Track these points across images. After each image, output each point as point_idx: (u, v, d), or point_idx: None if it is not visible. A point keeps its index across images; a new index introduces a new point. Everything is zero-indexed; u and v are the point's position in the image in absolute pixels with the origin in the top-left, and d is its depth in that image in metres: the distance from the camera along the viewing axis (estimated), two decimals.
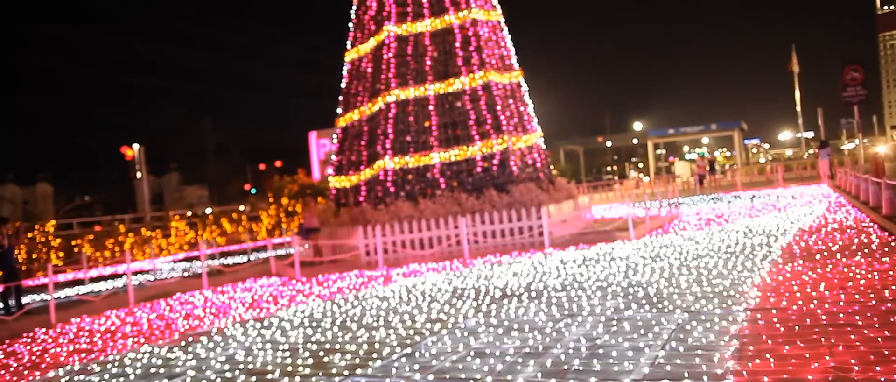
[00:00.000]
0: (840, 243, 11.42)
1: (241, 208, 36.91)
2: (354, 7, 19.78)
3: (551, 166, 20.67)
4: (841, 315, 6.39)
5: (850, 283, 7.90)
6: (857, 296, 7.16)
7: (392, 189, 17.58)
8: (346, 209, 18.37)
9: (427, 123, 17.70)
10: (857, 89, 33.13)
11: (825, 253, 10.43)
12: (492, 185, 17.28)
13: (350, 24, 19.83)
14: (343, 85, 19.65)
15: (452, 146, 17.54)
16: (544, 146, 20.07)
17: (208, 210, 36.28)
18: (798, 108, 52.03)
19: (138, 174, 48.36)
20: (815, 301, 7.10)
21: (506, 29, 19.73)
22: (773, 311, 6.84)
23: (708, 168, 36.79)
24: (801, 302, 7.12)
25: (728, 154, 65.63)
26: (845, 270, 8.81)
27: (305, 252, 17.96)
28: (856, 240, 11.53)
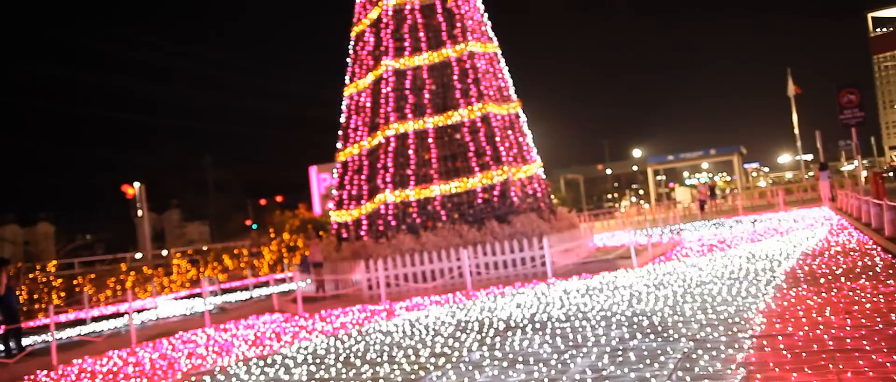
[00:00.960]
0: (844, 266, 11.38)
1: (243, 243, 36.86)
2: (352, 43, 19.98)
3: (552, 196, 20.68)
4: (848, 341, 6.34)
5: (856, 307, 7.86)
6: (863, 320, 7.12)
7: (393, 222, 17.58)
8: (348, 244, 18.35)
9: (427, 156, 17.76)
10: (854, 112, 33.22)
11: (829, 277, 10.39)
12: (493, 216, 17.28)
13: (348, 60, 20.01)
14: (342, 120, 19.76)
15: (453, 178, 17.58)
16: (544, 176, 20.11)
17: (205, 248, 36.23)
18: (796, 131, 52.23)
19: (140, 212, 48.38)
20: (821, 327, 7.06)
21: (503, 60, 19.90)
22: (780, 338, 6.80)
23: (708, 193, 36.80)
24: (807, 328, 7.07)
25: (728, 179, 65.67)
26: (850, 294, 8.76)
27: (308, 287, 17.89)
28: (859, 263, 11.49)
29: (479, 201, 17.43)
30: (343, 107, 19.87)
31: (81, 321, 19.18)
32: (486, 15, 19.92)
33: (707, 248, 17.82)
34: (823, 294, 8.95)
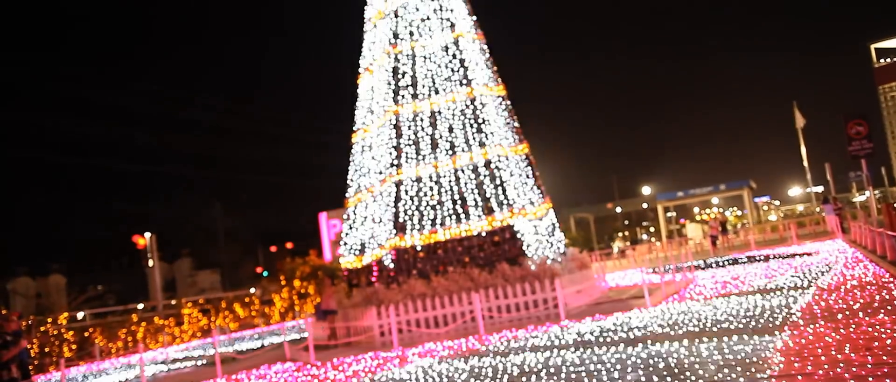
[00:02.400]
0: (861, 301, 11.22)
1: (254, 291, 36.79)
2: (360, 89, 20.21)
3: (562, 236, 20.61)
4: (870, 379, 6.23)
5: (877, 343, 7.73)
6: (885, 357, 7.00)
7: (404, 268, 17.53)
8: (359, 290, 18.28)
9: (436, 200, 17.80)
10: (862, 143, 33.16)
11: (847, 312, 10.24)
12: (504, 259, 17.21)
13: (356, 105, 20.21)
14: (351, 166, 19.87)
15: (462, 222, 17.58)
16: (554, 216, 20.08)
17: (213, 295, 36.15)
18: (805, 163, 52.11)
19: (150, 263, 48.45)
20: (841, 365, 6.94)
21: (510, 103, 20.05)
22: (799, 377, 6.68)
23: (720, 229, 36.58)
24: (827, 367, 6.95)
25: (739, 213, 65.37)
26: (869, 329, 8.63)
27: (320, 334, 17.79)
28: (877, 297, 11.33)
29: (489, 244, 17.39)
30: (351, 153, 20.01)
31: (93, 374, 19.08)
32: (491, 59, 20.16)
33: (721, 285, 17.64)
34: (842, 331, 8.81)
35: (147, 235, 46.92)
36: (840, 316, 10.00)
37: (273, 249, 68.74)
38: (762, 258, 25.28)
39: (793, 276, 17.11)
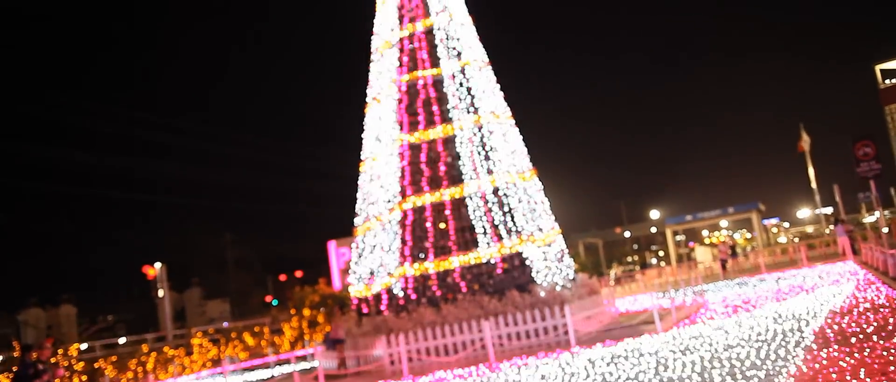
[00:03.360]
0: (874, 324, 11.16)
1: (263, 320, 36.74)
2: (367, 118, 20.36)
3: (571, 262, 20.58)
4: None
5: (893, 367, 7.68)
6: None
7: (413, 296, 17.54)
8: (369, 319, 18.27)
9: (445, 228, 17.84)
10: (871, 164, 33.12)
11: (860, 336, 10.19)
12: (513, 286, 17.20)
13: (363, 135, 20.35)
14: (359, 195, 19.97)
15: (471, 249, 17.60)
16: (563, 242, 20.07)
17: (225, 324, 36.11)
18: (813, 185, 51.90)
19: (160, 293, 48.48)
20: None
21: (516, 129, 20.16)
22: None
23: (730, 252, 36.40)
24: None
25: (748, 236, 65.04)
26: (884, 353, 8.58)
27: (330, 364, 17.75)
28: (891, 320, 11.27)
29: (499, 271, 17.39)
30: (359, 182, 20.11)
31: None
32: (498, 86, 20.31)
33: (732, 309, 17.55)
34: (856, 355, 8.77)
35: (157, 265, 47.04)
36: (853, 340, 9.94)
37: (282, 278, 68.70)
38: (773, 280, 25.15)
39: (804, 299, 17.02)
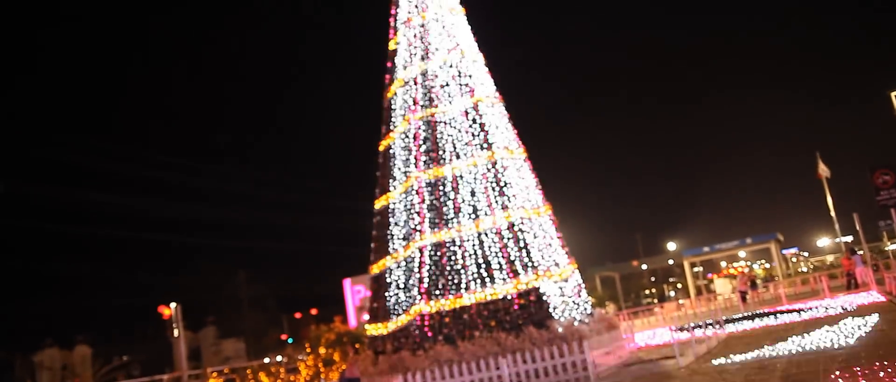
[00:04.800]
0: None
1: (279, 359, 36.56)
2: (381, 155, 20.44)
3: (588, 296, 20.37)
4: None
5: None
6: None
7: (430, 334, 17.38)
8: (385, 357, 18.10)
9: (460, 265, 17.74)
10: (891, 192, 32.80)
11: (889, 370, 9.94)
12: (530, 322, 17.01)
13: (378, 173, 20.41)
14: (374, 232, 19.95)
15: (487, 286, 17.46)
16: (579, 276, 19.88)
17: (238, 364, 35.93)
18: (832, 213, 51.26)
19: (176, 332, 48.47)
20: None
21: (529, 164, 20.13)
22: None
23: (750, 284, 35.94)
24: None
25: (767, 266, 64.23)
26: None
27: None
28: None
29: (516, 307, 17.23)
30: (374, 219, 20.11)
31: None
32: (511, 121, 20.35)
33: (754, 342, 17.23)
34: None
35: (172, 305, 47.10)
36: (882, 374, 9.71)
37: (298, 315, 68.52)
38: (795, 312, 24.73)
39: (827, 331, 16.69)
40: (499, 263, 17.60)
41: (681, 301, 43.21)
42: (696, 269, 55.87)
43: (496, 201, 18.12)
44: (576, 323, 17.25)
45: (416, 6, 20.57)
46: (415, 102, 19.63)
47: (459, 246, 17.91)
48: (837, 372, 10.54)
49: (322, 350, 30.85)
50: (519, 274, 17.38)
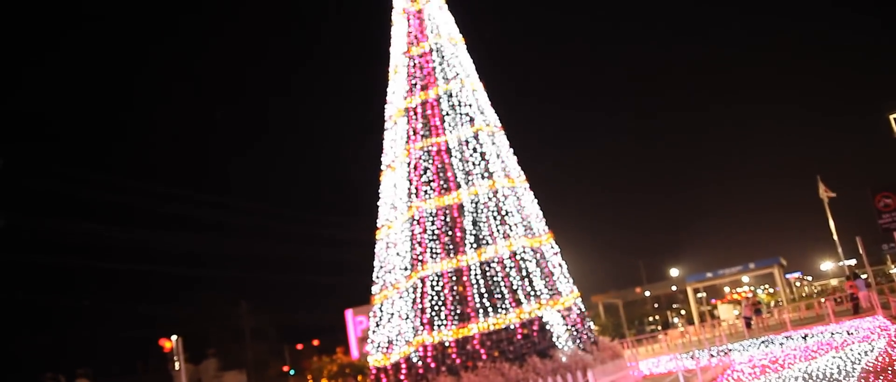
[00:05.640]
0: None
1: None
2: (383, 185, 20.45)
3: (592, 325, 20.24)
4: None
5: None
6: None
7: (433, 364, 17.23)
8: None
9: (463, 295, 17.65)
10: (893, 215, 32.83)
11: None
12: (534, 351, 16.88)
13: (379, 201, 20.40)
14: (376, 262, 19.88)
15: (490, 316, 17.36)
16: (582, 304, 19.78)
17: None
18: (834, 236, 51.04)
19: (177, 365, 48.05)
20: None
21: (531, 193, 20.14)
22: None
23: (754, 310, 35.70)
24: None
25: (771, 291, 63.87)
26: None
27: None
28: None
29: (519, 337, 17.11)
30: (376, 249, 20.05)
31: None
32: (512, 150, 20.40)
33: (759, 369, 17.09)
34: None
35: (173, 337, 46.78)
36: None
37: (299, 347, 67.97)
38: (800, 337, 24.52)
39: (834, 357, 16.54)
40: (501, 292, 17.51)
41: (682, 328, 42.90)
42: (699, 295, 55.60)
43: (498, 230, 18.08)
44: (579, 352, 17.11)
45: (416, 37, 20.73)
46: (415, 132, 19.69)
47: (462, 275, 17.84)
48: None
49: None
50: (522, 303, 17.29)
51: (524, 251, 17.94)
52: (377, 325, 19.34)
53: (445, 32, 20.73)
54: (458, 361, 17.12)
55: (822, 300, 40.52)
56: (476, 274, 17.80)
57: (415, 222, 18.61)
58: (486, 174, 18.74)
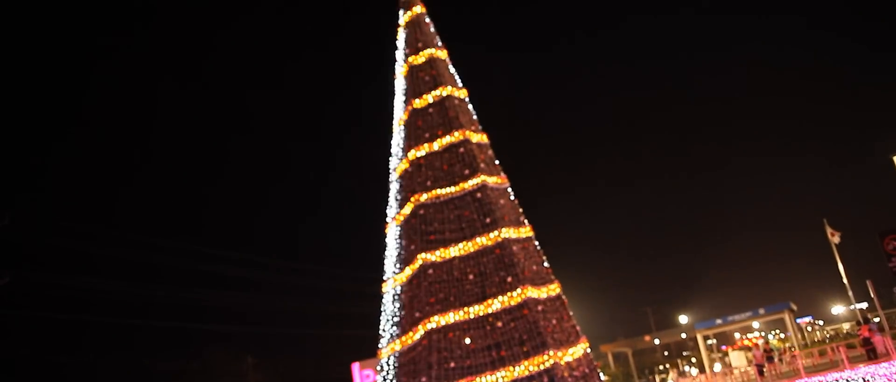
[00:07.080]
0: None
1: None
2: (388, 238, 20.42)
3: (601, 374, 19.94)
4: None
5: None
6: None
7: None
8: None
9: (470, 347, 17.44)
10: None
11: None
12: None
13: (384, 255, 20.34)
14: (383, 316, 19.73)
15: (498, 368, 17.13)
16: (591, 353, 19.52)
17: None
18: (844, 280, 50.51)
19: None
20: None
21: (537, 242, 20.08)
22: None
23: (766, 357, 35.11)
24: None
25: (782, 336, 62.98)
26: None
27: None
28: None
29: None
30: (382, 303, 19.92)
31: None
32: (515, 202, 20.39)
33: None
34: None
35: None
36: None
37: None
38: None
39: None
40: (509, 344, 17.30)
41: (695, 374, 42.20)
42: (709, 342, 54.81)
43: (504, 281, 17.96)
44: None
45: (419, 89, 20.97)
46: (419, 184, 19.73)
47: (469, 327, 17.65)
48: None
49: None
50: (529, 355, 17.05)
51: (530, 302, 17.77)
52: (384, 378, 19.08)
53: (450, 82, 21.03)
54: None
55: (836, 345, 39.97)
56: (484, 326, 17.62)
57: (420, 275, 18.50)
58: (490, 224, 18.68)
